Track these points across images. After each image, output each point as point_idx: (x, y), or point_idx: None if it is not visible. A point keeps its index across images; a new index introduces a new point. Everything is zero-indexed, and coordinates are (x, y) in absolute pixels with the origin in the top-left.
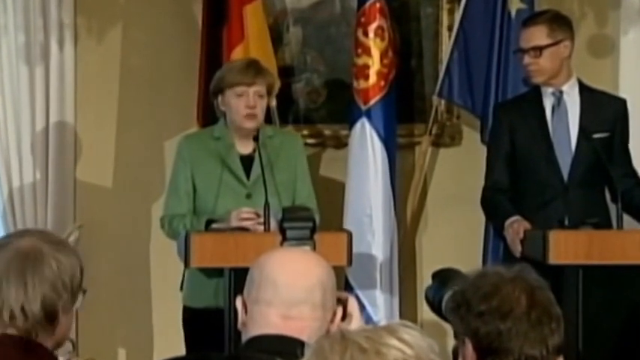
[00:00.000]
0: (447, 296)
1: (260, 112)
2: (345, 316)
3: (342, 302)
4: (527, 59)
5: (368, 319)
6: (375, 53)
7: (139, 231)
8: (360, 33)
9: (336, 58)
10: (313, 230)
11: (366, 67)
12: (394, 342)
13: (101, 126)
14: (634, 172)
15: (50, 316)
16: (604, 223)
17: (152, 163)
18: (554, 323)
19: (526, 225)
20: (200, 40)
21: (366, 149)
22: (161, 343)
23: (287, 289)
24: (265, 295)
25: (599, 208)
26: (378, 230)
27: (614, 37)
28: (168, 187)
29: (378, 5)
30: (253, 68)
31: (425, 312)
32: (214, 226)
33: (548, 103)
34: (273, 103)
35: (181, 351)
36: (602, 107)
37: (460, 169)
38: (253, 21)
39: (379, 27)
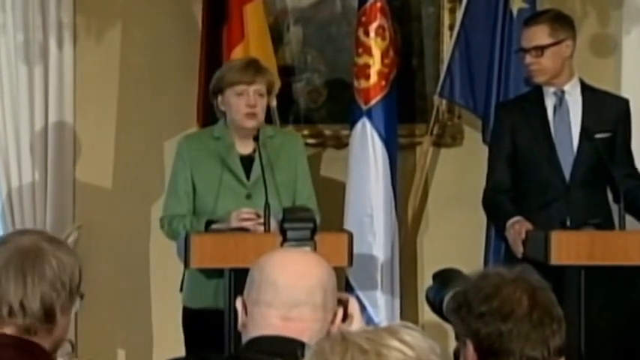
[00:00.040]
0: (448, 297)
1: (260, 111)
2: (345, 317)
3: (343, 303)
4: (528, 59)
5: (369, 320)
6: (376, 53)
7: (138, 231)
8: (360, 32)
9: (337, 57)
10: (314, 231)
11: (367, 66)
12: (395, 343)
13: (100, 126)
14: (636, 172)
15: (49, 315)
16: (606, 224)
17: (152, 164)
18: (555, 324)
19: (528, 225)
20: (200, 39)
21: (367, 149)
22: (161, 344)
23: (287, 290)
24: (265, 297)
25: (601, 208)
26: (378, 231)
27: (617, 37)
28: (167, 188)
29: (378, 4)
30: (253, 67)
31: (426, 313)
32: (214, 226)
33: (549, 102)
34: (274, 102)
35: (181, 352)
36: (604, 107)
37: (461, 169)
38: (253, 20)
39: (380, 26)
